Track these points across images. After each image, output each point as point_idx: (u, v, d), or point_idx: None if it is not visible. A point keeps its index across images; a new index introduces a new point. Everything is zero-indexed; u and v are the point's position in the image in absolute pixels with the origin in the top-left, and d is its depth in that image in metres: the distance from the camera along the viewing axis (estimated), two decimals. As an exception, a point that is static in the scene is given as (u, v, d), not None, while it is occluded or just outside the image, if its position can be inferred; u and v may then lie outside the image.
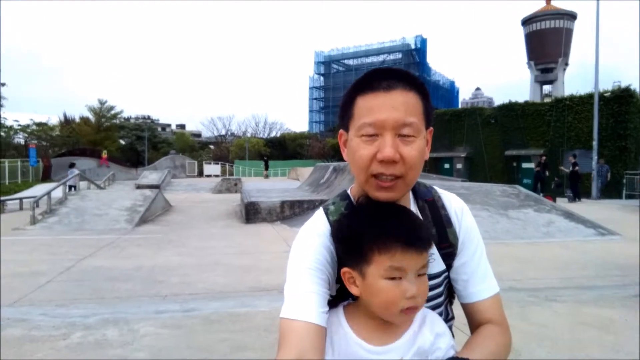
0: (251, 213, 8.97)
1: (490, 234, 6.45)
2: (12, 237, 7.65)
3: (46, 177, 29.33)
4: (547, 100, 33.01)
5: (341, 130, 1.06)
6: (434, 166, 27.87)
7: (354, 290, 0.93)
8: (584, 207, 11.65)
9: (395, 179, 0.95)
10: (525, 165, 24.68)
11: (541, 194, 13.89)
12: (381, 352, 0.91)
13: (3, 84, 29.35)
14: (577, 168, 16.67)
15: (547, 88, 53.74)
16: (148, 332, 2.60)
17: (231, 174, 37.69)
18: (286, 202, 9.27)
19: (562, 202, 12.97)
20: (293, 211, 9.16)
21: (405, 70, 1.02)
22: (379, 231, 0.90)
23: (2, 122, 33.63)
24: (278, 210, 9.12)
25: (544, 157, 19.24)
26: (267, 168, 34.33)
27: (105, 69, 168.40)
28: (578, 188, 16.59)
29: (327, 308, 0.95)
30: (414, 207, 1.09)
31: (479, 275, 1.09)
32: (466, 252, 1.10)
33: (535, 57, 50.83)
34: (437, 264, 1.06)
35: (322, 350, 0.90)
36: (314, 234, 1.03)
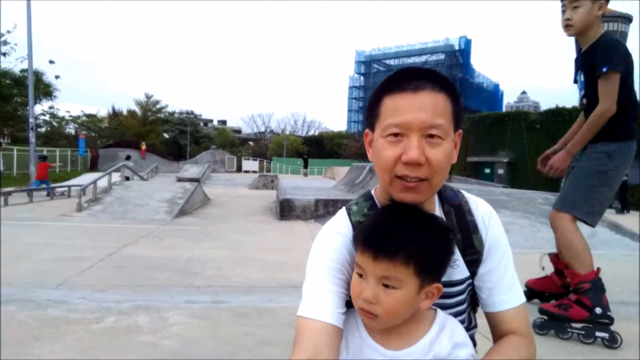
0: (285, 210, 9.05)
1: (530, 243, 6.23)
2: (59, 222, 8.04)
3: (93, 166, 30.66)
4: (597, 106, 31.54)
5: (367, 130, 1.05)
6: (474, 170, 27.16)
7: None
8: (633, 219, 11.08)
9: (419, 181, 0.93)
10: (571, 173, 23.69)
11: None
12: (395, 356, 0.89)
13: (57, 77, 30.78)
14: (625, 178, 15.91)
15: (598, 93, 51.34)
16: (178, 321, 2.67)
17: (269, 170, 38.22)
18: (320, 200, 9.29)
19: (609, 213, 12.39)
20: (327, 210, 9.17)
21: (435, 70, 1.00)
22: (361, 226, 0.95)
23: (55, 112, 35.39)
24: (312, 208, 9.16)
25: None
26: (306, 166, 34.62)
27: (152, 65, 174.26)
28: (627, 199, 15.81)
29: (344, 309, 0.94)
30: (439, 211, 1.06)
31: (504, 284, 1.05)
32: (492, 259, 1.06)
33: (586, 60, 48.59)
34: (460, 271, 1.04)
35: (337, 351, 0.89)
36: (335, 234, 1.02)
